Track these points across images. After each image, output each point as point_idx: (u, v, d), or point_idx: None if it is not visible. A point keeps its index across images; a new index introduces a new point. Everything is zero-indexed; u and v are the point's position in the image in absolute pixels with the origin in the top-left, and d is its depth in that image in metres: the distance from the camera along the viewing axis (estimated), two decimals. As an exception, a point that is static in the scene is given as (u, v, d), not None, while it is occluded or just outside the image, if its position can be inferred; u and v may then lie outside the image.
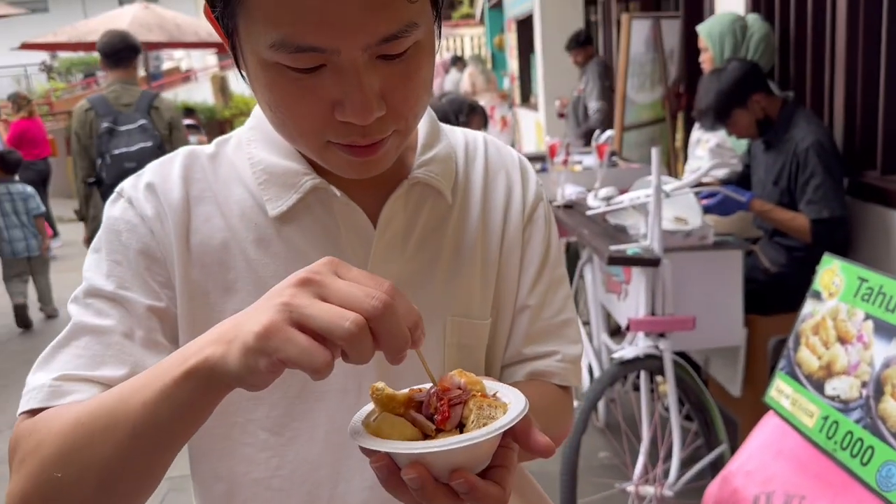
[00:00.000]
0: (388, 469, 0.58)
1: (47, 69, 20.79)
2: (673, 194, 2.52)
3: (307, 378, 0.56)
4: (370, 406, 0.64)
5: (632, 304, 2.73)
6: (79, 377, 0.72)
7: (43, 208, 5.95)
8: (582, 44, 6.37)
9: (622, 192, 2.88)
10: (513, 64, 11.27)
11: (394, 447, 0.57)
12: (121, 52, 4.09)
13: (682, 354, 2.81)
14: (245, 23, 0.65)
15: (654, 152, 2.44)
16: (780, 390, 1.98)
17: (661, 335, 2.52)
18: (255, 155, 0.83)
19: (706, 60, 3.45)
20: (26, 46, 9.68)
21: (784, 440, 1.90)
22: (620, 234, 2.84)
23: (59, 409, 0.68)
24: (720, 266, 2.63)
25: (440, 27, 0.76)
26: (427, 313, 0.74)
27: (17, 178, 5.98)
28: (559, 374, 0.90)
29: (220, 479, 0.83)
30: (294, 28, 0.62)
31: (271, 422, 0.81)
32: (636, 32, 4.38)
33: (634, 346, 2.55)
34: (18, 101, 8.84)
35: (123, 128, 4.04)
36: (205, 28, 10.41)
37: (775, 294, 2.79)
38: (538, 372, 0.90)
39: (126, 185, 0.82)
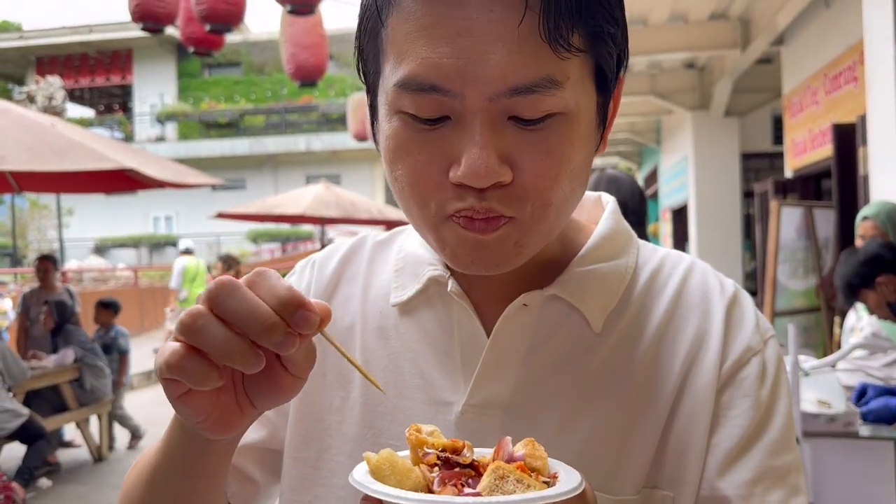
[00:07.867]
0: None
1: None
2: (812, 373, 2.41)
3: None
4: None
5: (768, 490, 2.54)
6: None
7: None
8: None
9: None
10: (667, 253, 11.33)
11: (380, 491, 0.49)
12: None
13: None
14: (383, 62, 0.63)
15: (791, 328, 2.38)
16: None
17: (800, 527, 2.31)
18: (404, 242, 0.80)
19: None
20: (221, 216, 10.93)
21: None
22: (757, 414, 2.71)
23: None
24: (868, 458, 2.43)
25: (606, 114, 0.66)
26: None
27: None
28: None
29: None
30: (419, 65, 0.58)
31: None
32: (787, 220, 4.36)
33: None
34: (229, 261, 9.88)
35: None
36: (376, 207, 11.36)
37: (939, 498, 2.51)
38: None
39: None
